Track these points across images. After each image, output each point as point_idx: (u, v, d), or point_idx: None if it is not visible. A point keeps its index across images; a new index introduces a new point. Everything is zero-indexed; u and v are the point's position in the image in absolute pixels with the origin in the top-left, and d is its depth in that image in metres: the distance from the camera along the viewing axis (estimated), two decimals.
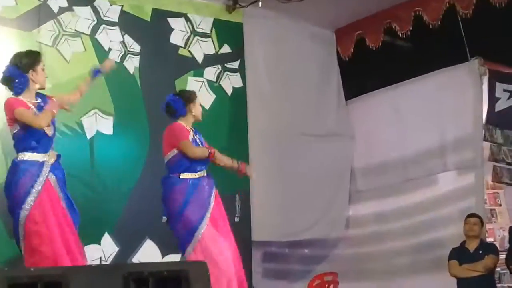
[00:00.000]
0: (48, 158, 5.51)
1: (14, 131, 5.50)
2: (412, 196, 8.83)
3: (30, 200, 5.37)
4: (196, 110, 6.41)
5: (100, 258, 7.56)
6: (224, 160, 6.39)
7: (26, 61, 5.52)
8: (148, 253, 7.90)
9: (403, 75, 9.10)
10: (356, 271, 8.86)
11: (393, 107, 9.23)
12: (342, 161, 9.57)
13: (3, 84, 5.58)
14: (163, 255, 7.80)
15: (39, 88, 5.59)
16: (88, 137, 7.75)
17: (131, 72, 8.19)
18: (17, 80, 5.48)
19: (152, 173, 7.70)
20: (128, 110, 8.09)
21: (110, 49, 8.04)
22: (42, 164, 5.45)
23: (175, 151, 6.23)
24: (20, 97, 5.50)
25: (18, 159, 5.45)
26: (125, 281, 3.55)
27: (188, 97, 6.44)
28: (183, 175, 6.21)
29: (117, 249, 7.73)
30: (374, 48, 9.24)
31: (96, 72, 5.92)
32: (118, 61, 8.07)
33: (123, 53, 8.14)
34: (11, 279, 3.45)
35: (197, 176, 6.26)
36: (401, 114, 9.11)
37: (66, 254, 5.37)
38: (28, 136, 5.46)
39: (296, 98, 9.27)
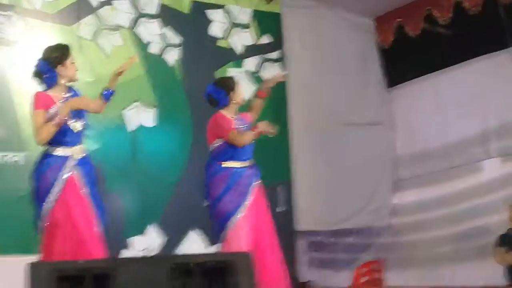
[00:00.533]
0: (74, 153, 5.51)
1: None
2: (455, 183, 8.75)
3: (53, 194, 5.39)
4: (237, 98, 6.36)
5: (146, 249, 7.62)
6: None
7: (55, 56, 5.50)
8: (193, 244, 7.94)
9: (444, 63, 9.01)
10: (401, 259, 8.81)
11: (434, 94, 9.15)
12: (385, 149, 9.52)
13: (34, 78, 5.61)
14: (208, 245, 7.82)
15: (70, 81, 5.58)
16: (131, 129, 7.79)
17: (171, 65, 8.22)
18: (46, 75, 5.49)
19: (196, 164, 7.73)
20: (169, 102, 8.13)
21: (149, 42, 8.08)
22: (67, 158, 5.46)
23: (220, 140, 6.24)
24: (50, 92, 5.53)
25: (45, 152, 5.48)
26: (171, 272, 3.56)
27: (228, 86, 6.40)
28: (226, 164, 6.21)
29: (162, 240, 7.78)
30: (414, 36, 9.16)
31: (107, 94, 5.79)
32: (158, 53, 8.12)
33: (162, 45, 8.17)
34: (60, 271, 3.48)
35: (239, 166, 6.26)
36: (442, 102, 9.03)
37: (84, 249, 5.39)
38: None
39: (337, 87, 9.24)
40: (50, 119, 5.40)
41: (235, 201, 6.16)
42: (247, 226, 6.15)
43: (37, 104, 5.44)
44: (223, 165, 6.21)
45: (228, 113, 6.31)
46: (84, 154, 5.56)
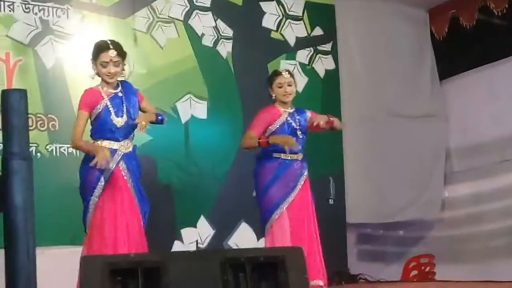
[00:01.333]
0: (120, 147, 5.58)
1: (91, 120, 5.62)
2: (509, 177, 8.65)
3: (99, 187, 5.47)
4: (274, 93, 6.40)
5: (197, 241, 7.69)
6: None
7: (93, 52, 5.62)
8: (244, 236, 8.00)
9: (498, 54, 8.91)
10: (452, 253, 8.76)
11: (488, 86, 9.07)
12: (437, 142, 9.46)
13: None
14: (258, 238, 7.86)
15: (105, 80, 5.60)
16: (183, 121, 7.86)
17: (224, 57, 8.26)
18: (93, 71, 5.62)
19: (246, 156, 7.77)
20: (221, 94, 8.17)
21: (203, 34, 8.12)
22: (114, 152, 5.53)
23: (266, 133, 6.30)
24: (98, 87, 5.62)
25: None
26: (222, 266, 3.59)
27: (268, 79, 6.49)
28: (275, 154, 6.29)
29: (213, 232, 7.85)
30: (468, 27, 9.08)
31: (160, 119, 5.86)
32: (211, 46, 8.17)
33: (216, 38, 8.21)
34: (113, 265, 3.53)
35: (289, 158, 6.31)
36: (496, 94, 8.94)
37: (127, 242, 5.45)
38: (99, 125, 5.56)
39: (389, 79, 9.20)
40: (97, 115, 5.51)
41: (281, 193, 6.22)
42: (290, 219, 6.20)
43: (81, 103, 5.58)
44: (273, 155, 6.28)
45: (280, 107, 6.37)
46: (131, 149, 5.64)
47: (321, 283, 6.20)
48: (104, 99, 5.54)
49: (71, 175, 6.72)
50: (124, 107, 5.60)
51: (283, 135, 6.21)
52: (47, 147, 6.90)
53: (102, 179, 5.45)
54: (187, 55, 8.00)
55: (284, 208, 6.21)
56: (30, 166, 2.13)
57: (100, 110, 5.52)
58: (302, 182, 6.32)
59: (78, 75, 7.01)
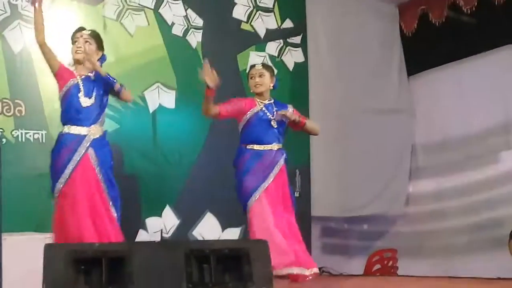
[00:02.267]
0: (90, 133, 5.59)
1: (60, 100, 5.75)
2: (474, 174, 8.72)
3: (65, 174, 5.47)
4: (249, 84, 6.50)
5: (161, 230, 7.67)
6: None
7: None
8: (209, 226, 7.99)
9: (467, 52, 8.96)
10: (415, 248, 8.83)
11: (456, 83, 9.12)
12: (403, 137, 9.51)
13: None
14: (223, 229, 7.88)
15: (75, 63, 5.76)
16: (151, 110, 7.83)
17: (194, 47, 8.23)
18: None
19: (213, 147, 7.80)
20: (190, 84, 8.12)
21: (173, 24, 8.08)
22: (83, 137, 5.55)
23: (241, 123, 6.37)
24: (71, 67, 5.69)
25: (62, 131, 5.59)
26: (186, 258, 3.61)
27: (248, 73, 6.59)
28: (249, 146, 6.36)
29: (178, 221, 7.83)
30: (437, 24, 9.13)
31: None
32: (181, 35, 8.15)
33: (186, 27, 8.18)
34: (76, 253, 3.54)
35: (262, 148, 6.38)
36: (464, 91, 9.00)
37: (94, 231, 5.46)
38: (67, 104, 5.61)
39: (358, 74, 9.22)
40: (66, 92, 5.55)
41: (256, 180, 6.29)
42: (266, 207, 6.25)
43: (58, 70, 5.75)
44: (247, 147, 6.36)
45: (257, 98, 6.45)
46: (101, 134, 5.64)
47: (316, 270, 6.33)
48: (75, 77, 5.59)
49: (36, 161, 6.72)
50: (94, 91, 5.65)
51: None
52: (13, 132, 6.83)
53: (69, 166, 5.44)
54: (157, 43, 7.96)
55: (259, 194, 6.27)
56: None
57: (69, 88, 5.57)
58: (277, 171, 6.39)
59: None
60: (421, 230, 8.96)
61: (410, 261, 8.78)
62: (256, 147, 6.41)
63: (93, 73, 5.75)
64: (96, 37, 5.84)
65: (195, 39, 8.23)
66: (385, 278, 8.54)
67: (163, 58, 7.98)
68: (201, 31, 8.27)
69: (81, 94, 5.60)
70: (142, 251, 3.64)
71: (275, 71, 6.93)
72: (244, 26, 8.66)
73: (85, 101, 5.62)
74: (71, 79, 5.65)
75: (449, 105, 9.15)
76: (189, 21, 8.20)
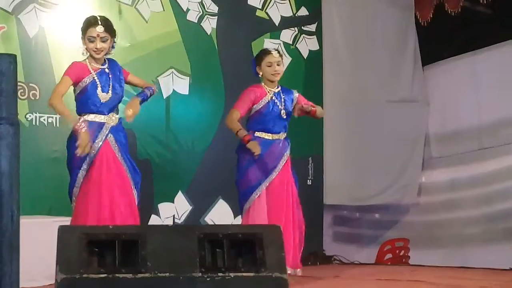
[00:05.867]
0: (108, 120, 5.61)
1: (76, 93, 5.68)
2: (487, 164, 8.69)
3: (87, 161, 5.47)
4: (262, 72, 6.41)
5: (174, 216, 7.69)
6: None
7: (82, 27, 5.67)
8: (221, 212, 8.01)
9: (481, 42, 8.93)
10: (427, 238, 8.81)
11: (470, 74, 9.09)
12: (417, 127, 9.48)
13: None
14: (235, 215, 7.88)
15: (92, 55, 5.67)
16: (165, 96, 7.83)
17: (208, 33, 8.23)
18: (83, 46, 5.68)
19: (226, 133, 7.74)
20: (204, 70, 8.15)
21: (188, 10, 8.08)
22: (102, 124, 5.56)
23: (253, 110, 6.33)
24: (86, 61, 5.65)
25: (81, 119, 5.55)
26: (200, 242, 3.60)
27: (257, 57, 6.50)
28: (257, 133, 6.31)
29: (190, 207, 7.85)
30: (453, 14, 9.09)
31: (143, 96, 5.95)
32: (196, 21, 8.14)
33: (201, 13, 8.17)
34: (90, 236, 3.53)
35: (271, 137, 6.33)
36: (478, 82, 8.97)
37: (114, 216, 5.46)
38: (84, 99, 5.59)
39: (372, 63, 9.21)
40: (83, 88, 5.54)
41: (261, 173, 6.24)
42: (270, 199, 6.22)
43: (67, 71, 5.65)
44: (255, 135, 6.29)
45: (266, 86, 6.38)
46: (117, 122, 5.66)
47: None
48: (91, 73, 5.59)
49: (50, 145, 6.74)
50: (110, 83, 5.66)
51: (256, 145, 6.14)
52: (27, 116, 6.85)
53: (91, 151, 5.46)
54: (171, 29, 7.96)
55: (264, 188, 6.23)
56: (17, 132, 2.12)
57: (86, 84, 5.57)
58: (283, 164, 6.33)
59: (61, 45, 6.99)
60: (434, 220, 8.94)
61: (422, 251, 8.77)
62: (265, 135, 6.35)
63: (106, 64, 5.72)
64: (109, 28, 5.67)
65: (209, 25, 8.23)
66: (397, 267, 8.53)
67: (178, 44, 7.99)
68: (216, 17, 8.27)
69: (99, 90, 5.59)
70: (155, 235, 3.63)
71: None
72: (259, 13, 8.65)
73: (104, 97, 5.62)
74: (86, 76, 5.61)
75: (463, 96, 9.12)
76: (204, 8, 8.19)
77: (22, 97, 6.78)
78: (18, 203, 2.07)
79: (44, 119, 6.90)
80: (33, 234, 5.55)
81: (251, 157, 6.18)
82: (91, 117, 5.55)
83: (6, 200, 2.04)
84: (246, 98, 6.32)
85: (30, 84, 6.91)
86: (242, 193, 6.33)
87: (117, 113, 5.75)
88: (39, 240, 5.58)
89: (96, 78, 5.60)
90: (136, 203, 5.63)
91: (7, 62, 2.04)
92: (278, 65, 6.37)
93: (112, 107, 5.67)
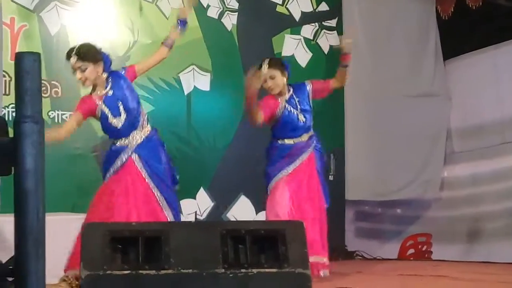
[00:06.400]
0: (129, 143, 5.60)
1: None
2: (509, 159, 8.64)
3: (107, 176, 5.52)
4: (264, 87, 6.32)
5: (196, 212, 7.72)
6: None
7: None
8: (242, 209, 8.03)
9: (503, 36, 8.88)
10: (450, 233, 8.78)
11: (492, 68, 9.05)
12: (439, 121, 9.45)
13: None
14: (257, 212, 7.89)
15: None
16: (186, 92, 7.85)
17: (229, 29, 8.25)
18: None
19: (247, 130, 7.78)
20: (225, 67, 8.17)
21: (208, 6, 8.10)
22: (124, 147, 5.57)
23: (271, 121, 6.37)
24: (91, 92, 5.65)
25: (111, 145, 5.68)
26: (222, 238, 3.61)
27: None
28: (280, 141, 6.36)
29: (212, 204, 7.87)
30: (474, 8, 9.04)
31: (182, 22, 5.92)
32: (216, 18, 8.15)
33: (221, 9, 8.19)
34: (114, 232, 3.55)
35: (292, 142, 6.38)
36: (500, 76, 8.93)
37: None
38: (104, 128, 5.68)
39: (393, 57, 9.18)
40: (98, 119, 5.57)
41: (279, 166, 6.29)
42: (288, 190, 6.24)
43: (78, 106, 5.63)
44: (279, 142, 6.36)
45: (276, 95, 6.37)
46: (146, 136, 5.62)
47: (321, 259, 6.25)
48: (98, 105, 5.54)
49: (72, 142, 6.77)
50: (120, 104, 5.58)
51: None
52: (49, 113, 6.90)
53: (110, 169, 5.49)
54: (192, 26, 7.91)
55: (282, 176, 6.26)
56: (42, 130, 2.13)
57: (98, 116, 5.56)
58: (305, 157, 6.35)
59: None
60: (456, 215, 8.90)
61: (444, 246, 8.74)
62: (287, 141, 6.41)
63: (109, 84, 5.64)
64: (85, 56, 5.49)
65: (230, 21, 8.24)
66: (419, 263, 8.51)
67: (198, 41, 8.01)
68: (236, 13, 8.28)
69: (110, 118, 5.54)
70: (178, 231, 3.64)
71: (285, 63, 6.66)
72: (280, 9, 8.65)
73: (117, 122, 5.58)
74: (95, 109, 5.57)
75: (485, 90, 9.09)
76: (224, 4, 8.21)
77: (44, 95, 6.82)
78: (44, 201, 2.09)
79: (66, 117, 6.93)
80: (57, 232, 5.57)
81: (274, 158, 6.29)
82: (116, 142, 5.59)
83: (31, 198, 2.05)
84: (265, 107, 6.26)
85: (52, 82, 6.96)
86: (266, 181, 6.37)
87: (142, 128, 5.67)
88: (63, 237, 5.60)
89: (103, 107, 5.54)
90: (165, 215, 5.63)
91: (31, 60, 2.06)
92: (271, 78, 6.26)
93: (131, 124, 5.60)
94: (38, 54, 2.08)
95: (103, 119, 5.56)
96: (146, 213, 5.51)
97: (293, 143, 6.36)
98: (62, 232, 5.72)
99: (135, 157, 5.54)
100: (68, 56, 5.54)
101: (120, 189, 5.48)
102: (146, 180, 5.56)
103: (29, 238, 2.09)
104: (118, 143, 5.58)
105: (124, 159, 5.52)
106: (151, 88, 7.45)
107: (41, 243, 2.12)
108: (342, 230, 8.89)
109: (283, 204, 6.15)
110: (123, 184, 5.50)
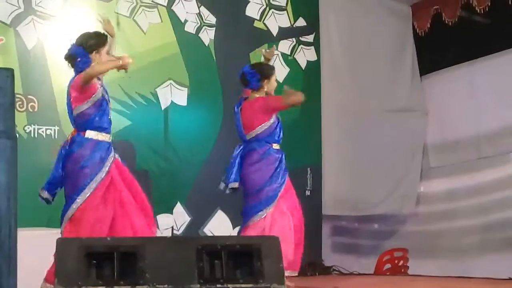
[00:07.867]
0: (111, 139, 5.58)
1: (84, 109, 5.44)
2: (485, 174, 8.69)
3: (96, 180, 5.41)
4: (270, 86, 6.49)
5: (172, 227, 7.69)
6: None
7: (92, 43, 5.53)
8: (219, 223, 8.02)
9: (479, 51, 8.92)
10: (426, 248, 8.79)
11: (468, 83, 9.09)
12: (415, 137, 9.48)
13: (66, 60, 5.62)
14: (234, 226, 7.88)
15: None
16: (163, 107, 7.84)
17: (206, 44, 8.26)
18: (79, 59, 5.48)
19: (225, 144, 7.78)
20: (202, 81, 8.17)
21: (186, 21, 8.11)
22: (109, 144, 5.51)
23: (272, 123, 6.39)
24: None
25: (86, 136, 5.43)
26: (198, 253, 3.60)
27: (265, 73, 6.51)
28: (274, 146, 6.44)
29: (188, 219, 7.86)
30: (450, 24, 9.11)
31: None
32: (194, 32, 8.16)
33: (198, 24, 8.20)
34: (88, 248, 3.53)
35: (278, 148, 6.42)
36: (476, 91, 8.96)
37: (130, 228, 5.45)
38: (100, 114, 5.48)
39: (370, 73, 9.22)
40: (96, 102, 5.45)
41: (275, 187, 6.28)
42: (279, 210, 6.26)
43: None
44: (273, 147, 6.39)
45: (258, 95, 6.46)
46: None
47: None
48: (98, 88, 5.50)
49: (48, 156, 6.71)
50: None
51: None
52: (25, 128, 6.86)
53: (102, 170, 5.41)
54: (169, 41, 7.98)
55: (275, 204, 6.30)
56: (15, 145, 2.13)
57: (99, 99, 5.45)
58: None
59: (59, 57, 6.89)
60: (432, 230, 8.93)
61: (421, 261, 8.74)
62: (275, 146, 6.45)
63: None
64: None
65: (207, 36, 8.25)
66: (396, 278, 8.52)
67: (176, 55, 8.01)
68: (214, 28, 8.30)
69: (110, 105, 5.61)
70: (154, 246, 3.63)
71: None
72: (257, 24, 8.68)
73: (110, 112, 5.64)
74: (98, 89, 5.50)
75: (462, 105, 9.12)
76: (202, 19, 8.22)
77: (20, 109, 6.79)
78: (16, 217, 2.08)
79: (43, 131, 6.91)
80: (31, 247, 5.53)
81: (268, 168, 6.37)
82: (102, 136, 5.48)
83: (3, 214, 2.04)
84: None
85: (29, 96, 6.93)
86: (257, 203, 6.35)
87: None
88: (37, 253, 5.55)
89: (104, 93, 5.53)
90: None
91: (4, 76, 2.06)
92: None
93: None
94: (11, 70, 2.07)
95: (105, 105, 5.48)
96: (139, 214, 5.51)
97: (279, 148, 6.43)
98: (36, 248, 5.68)
99: (117, 156, 5.56)
100: (104, 40, 5.63)
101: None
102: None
103: (0, 255, 2.08)
104: (103, 138, 5.47)
105: (111, 160, 5.49)
106: (128, 102, 7.43)
107: (12, 259, 2.11)
108: (318, 245, 8.89)
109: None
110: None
